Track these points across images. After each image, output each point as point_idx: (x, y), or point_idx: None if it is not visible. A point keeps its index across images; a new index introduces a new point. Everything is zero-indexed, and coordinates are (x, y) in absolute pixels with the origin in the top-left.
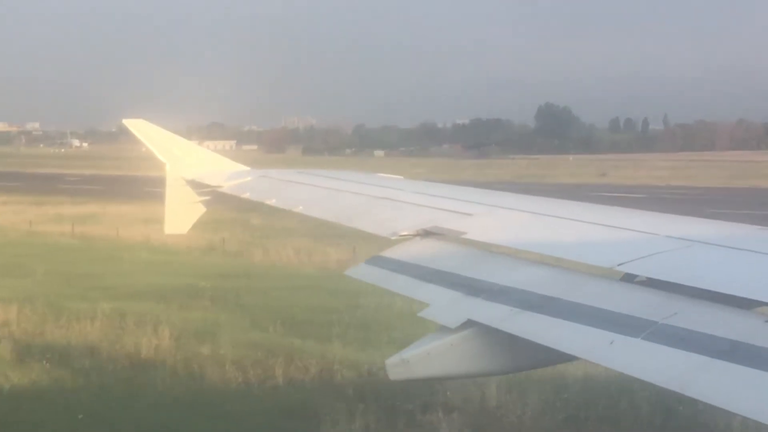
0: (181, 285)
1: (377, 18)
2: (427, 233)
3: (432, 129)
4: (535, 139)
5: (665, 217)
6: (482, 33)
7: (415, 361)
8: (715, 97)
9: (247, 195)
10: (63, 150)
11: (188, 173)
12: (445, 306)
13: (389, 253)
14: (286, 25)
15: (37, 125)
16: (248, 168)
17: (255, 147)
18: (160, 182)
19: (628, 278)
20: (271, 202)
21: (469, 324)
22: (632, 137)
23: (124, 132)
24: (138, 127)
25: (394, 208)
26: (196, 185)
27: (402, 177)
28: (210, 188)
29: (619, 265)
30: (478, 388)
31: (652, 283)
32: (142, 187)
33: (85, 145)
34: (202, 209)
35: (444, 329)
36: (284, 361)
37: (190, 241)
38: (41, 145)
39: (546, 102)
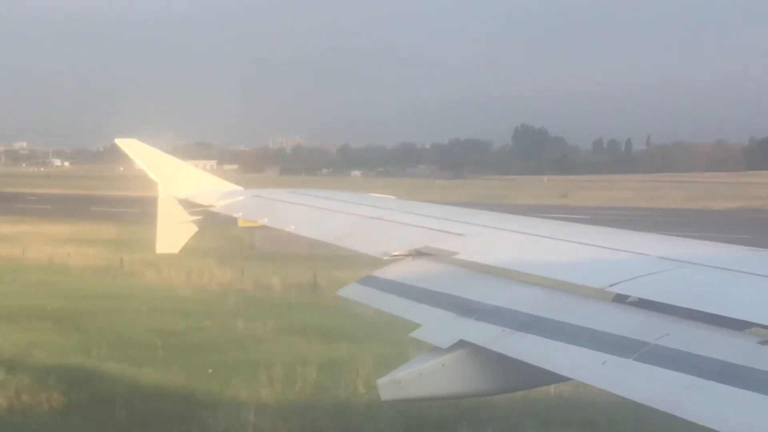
0: (36, 306)
1: (364, 36)
2: (419, 253)
3: (411, 149)
4: (512, 160)
5: (657, 238)
6: (468, 52)
7: (407, 381)
8: (699, 117)
9: (239, 214)
10: (42, 169)
11: (180, 192)
12: (436, 326)
13: (381, 273)
14: (275, 44)
15: (24, 144)
16: (240, 188)
17: (235, 167)
18: (120, 202)
19: (620, 299)
20: (264, 221)
21: (460, 344)
22: (613, 158)
23: (110, 152)
24: (130, 146)
25: (385, 228)
26: (188, 204)
27: (394, 197)
28: (202, 208)
29: (610, 285)
30: (256, 413)
31: (643, 304)
32: (94, 207)
33: (66, 164)
34: (194, 229)
35: (436, 349)
36: (68, 387)
37: (91, 261)
38: (24, 164)
39: (522, 123)
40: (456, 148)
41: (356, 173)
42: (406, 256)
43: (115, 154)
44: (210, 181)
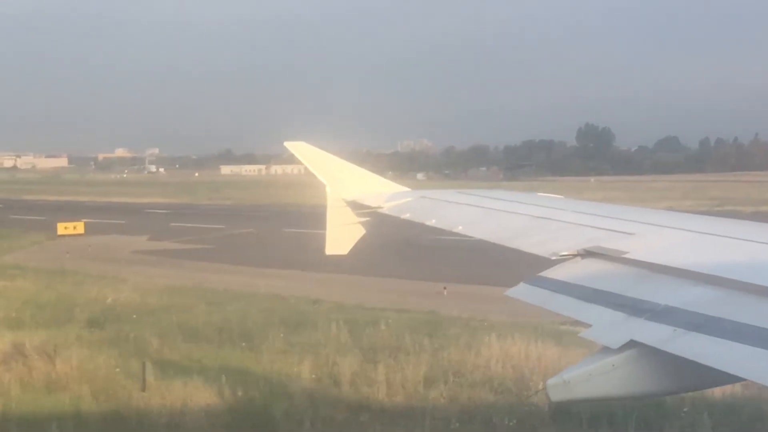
0: None
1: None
2: (587, 253)
3: (485, 150)
4: (574, 161)
5: None
6: (589, 51)
7: (576, 382)
8: None
9: (407, 216)
10: (125, 175)
11: (348, 194)
12: (607, 326)
13: (549, 273)
14: (405, 54)
15: (156, 151)
16: (408, 189)
17: None
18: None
19: None
20: (431, 222)
21: (631, 344)
22: (681, 158)
23: (222, 158)
24: (298, 149)
25: (553, 227)
26: (356, 206)
27: (562, 196)
28: (370, 209)
29: None
30: None
31: None
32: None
33: (161, 170)
34: (361, 230)
35: (606, 350)
36: None
37: None
38: (126, 171)
39: (586, 123)
40: (528, 149)
41: (420, 176)
42: (574, 255)
43: (223, 161)
44: (378, 183)
